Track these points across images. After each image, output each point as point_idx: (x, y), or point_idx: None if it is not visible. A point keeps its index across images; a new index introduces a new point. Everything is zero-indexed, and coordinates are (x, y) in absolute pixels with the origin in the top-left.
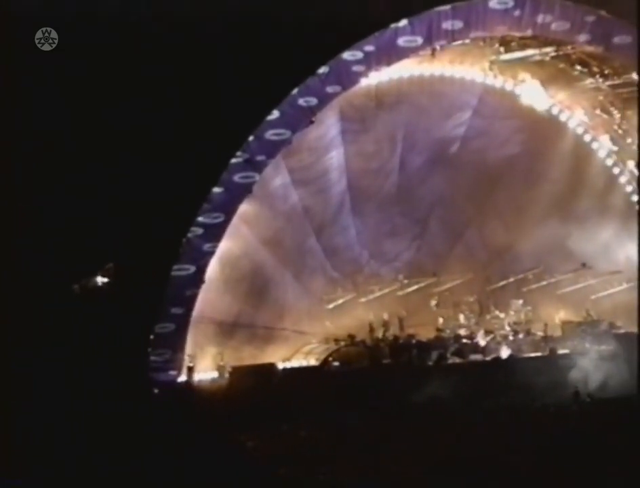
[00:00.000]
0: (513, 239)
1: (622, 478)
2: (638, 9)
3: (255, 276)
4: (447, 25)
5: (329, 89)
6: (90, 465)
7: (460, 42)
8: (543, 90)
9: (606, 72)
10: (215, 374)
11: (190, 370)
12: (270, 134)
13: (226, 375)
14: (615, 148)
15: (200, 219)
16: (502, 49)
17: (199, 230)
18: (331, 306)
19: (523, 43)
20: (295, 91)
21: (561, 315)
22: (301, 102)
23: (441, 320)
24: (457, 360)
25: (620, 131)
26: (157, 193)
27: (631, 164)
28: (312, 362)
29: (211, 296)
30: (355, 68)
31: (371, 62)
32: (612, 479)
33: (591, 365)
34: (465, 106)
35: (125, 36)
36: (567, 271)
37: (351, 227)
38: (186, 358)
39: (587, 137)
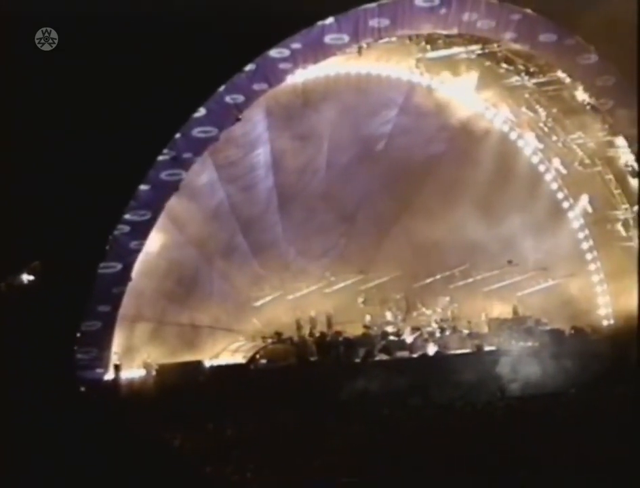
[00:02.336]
0: (440, 236)
1: (547, 474)
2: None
3: (182, 273)
4: (373, 23)
5: (256, 86)
6: (15, 464)
7: (386, 40)
8: (470, 88)
9: (531, 70)
10: (142, 372)
11: (117, 368)
12: (196, 131)
13: (153, 372)
14: (540, 146)
15: (126, 216)
16: (428, 47)
17: (126, 228)
18: (258, 303)
19: (450, 41)
20: (221, 88)
21: (487, 312)
22: (227, 99)
23: (368, 317)
24: (384, 357)
25: (546, 129)
26: (84, 190)
27: (556, 162)
28: (240, 359)
29: (138, 293)
30: (282, 65)
31: (298, 59)
32: (538, 475)
33: (517, 362)
34: (391, 104)
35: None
36: (493, 268)
37: (278, 224)
38: (113, 355)
39: (513, 135)
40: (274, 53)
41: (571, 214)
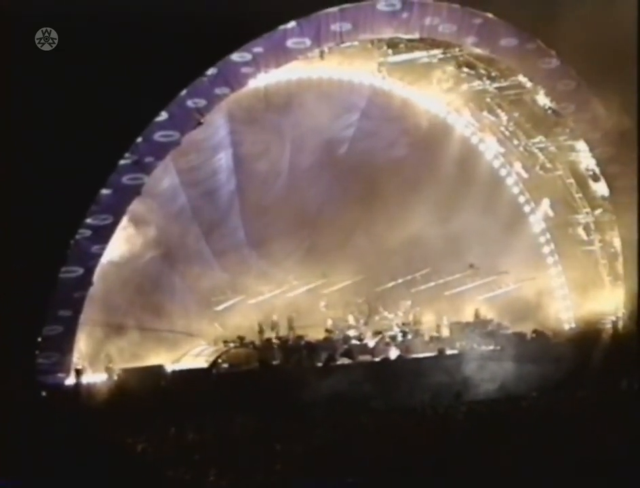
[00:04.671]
0: (402, 240)
1: (508, 477)
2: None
3: (143, 277)
4: (335, 27)
5: (218, 91)
6: None
7: (348, 44)
8: (431, 92)
9: (493, 74)
10: (104, 376)
11: (79, 372)
12: (158, 135)
13: (115, 377)
14: (502, 150)
15: (88, 221)
16: (390, 51)
17: (87, 232)
18: (220, 307)
19: (411, 45)
20: (183, 92)
21: (449, 315)
22: (189, 103)
23: (330, 321)
24: (346, 361)
25: (507, 133)
26: (45, 194)
27: (518, 166)
28: (202, 364)
29: (100, 298)
30: (244, 69)
31: (260, 63)
32: (500, 477)
33: (479, 365)
34: (353, 108)
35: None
36: (455, 272)
37: (240, 228)
38: (75, 360)
39: (474, 139)
40: (236, 57)
41: (532, 218)
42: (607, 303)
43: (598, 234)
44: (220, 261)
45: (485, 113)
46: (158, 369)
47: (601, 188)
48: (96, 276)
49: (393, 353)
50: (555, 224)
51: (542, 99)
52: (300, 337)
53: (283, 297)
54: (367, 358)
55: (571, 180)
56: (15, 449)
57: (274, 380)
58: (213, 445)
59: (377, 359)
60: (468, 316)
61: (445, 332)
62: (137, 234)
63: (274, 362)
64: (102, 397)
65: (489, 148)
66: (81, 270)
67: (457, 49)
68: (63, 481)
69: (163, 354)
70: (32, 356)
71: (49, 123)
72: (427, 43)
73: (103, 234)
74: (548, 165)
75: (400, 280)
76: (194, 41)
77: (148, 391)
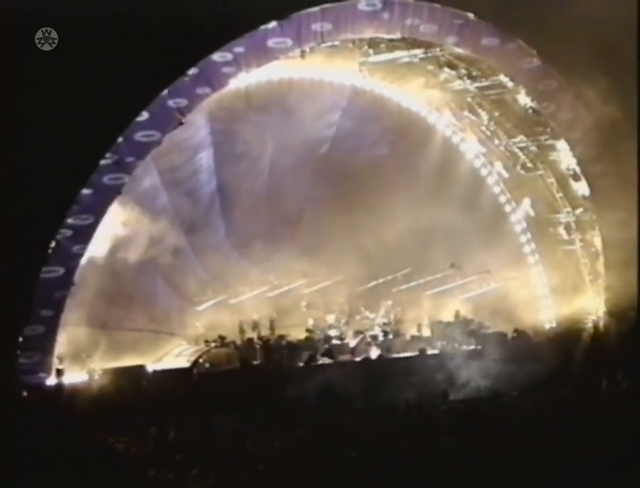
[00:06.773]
0: (383, 240)
1: (490, 476)
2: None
3: (125, 277)
4: (316, 27)
5: (199, 91)
6: None
7: (329, 44)
8: (412, 91)
9: (474, 74)
10: (85, 376)
11: (60, 372)
12: (139, 135)
13: (96, 377)
14: (483, 150)
15: (69, 221)
16: (371, 51)
17: (68, 232)
18: (201, 307)
19: (392, 45)
20: (164, 92)
21: (430, 315)
22: (170, 103)
23: (311, 321)
24: (327, 360)
25: (488, 133)
26: (26, 194)
27: (498, 165)
28: (183, 363)
29: (81, 298)
30: (225, 69)
31: (241, 63)
32: (482, 477)
33: (460, 365)
34: (334, 108)
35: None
36: (437, 271)
37: (221, 228)
38: (56, 360)
39: (455, 139)
40: (217, 57)
41: (513, 217)
42: (588, 303)
43: (579, 234)
44: (201, 261)
45: (466, 113)
46: (140, 369)
47: (581, 188)
48: (77, 276)
49: (374, 353)
50: (536, 223)
51: (523, 99)
52: (281, 337)
53: (264, 297)
54: (347, 358)
55: (552, 180)
56: None
57: (255, 380)
58: (194, 445)
59: (358, 359)
60: (449, 315)
61: (427, 332)
62: (118, 233)
63: (255, 362)
64: (83, 397)
65: (470, 148)
66: (62, 270)
67: (438, 49)
68: (44, 481)
69: (144, 354)
70: (13, 356)
71: (29, 123)
72: (408, 42)
73: (84, 234)
74: (529, 165)
75: (381, 280)
76: (175, 41)
77: (129, 391)
